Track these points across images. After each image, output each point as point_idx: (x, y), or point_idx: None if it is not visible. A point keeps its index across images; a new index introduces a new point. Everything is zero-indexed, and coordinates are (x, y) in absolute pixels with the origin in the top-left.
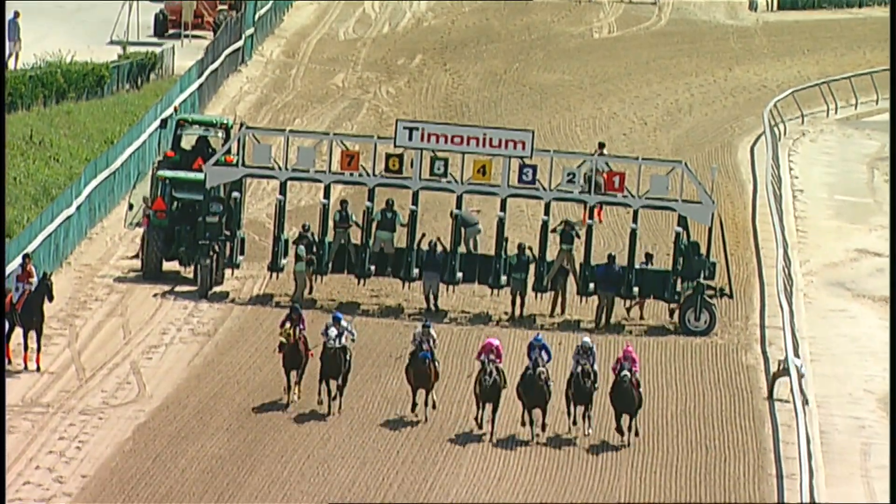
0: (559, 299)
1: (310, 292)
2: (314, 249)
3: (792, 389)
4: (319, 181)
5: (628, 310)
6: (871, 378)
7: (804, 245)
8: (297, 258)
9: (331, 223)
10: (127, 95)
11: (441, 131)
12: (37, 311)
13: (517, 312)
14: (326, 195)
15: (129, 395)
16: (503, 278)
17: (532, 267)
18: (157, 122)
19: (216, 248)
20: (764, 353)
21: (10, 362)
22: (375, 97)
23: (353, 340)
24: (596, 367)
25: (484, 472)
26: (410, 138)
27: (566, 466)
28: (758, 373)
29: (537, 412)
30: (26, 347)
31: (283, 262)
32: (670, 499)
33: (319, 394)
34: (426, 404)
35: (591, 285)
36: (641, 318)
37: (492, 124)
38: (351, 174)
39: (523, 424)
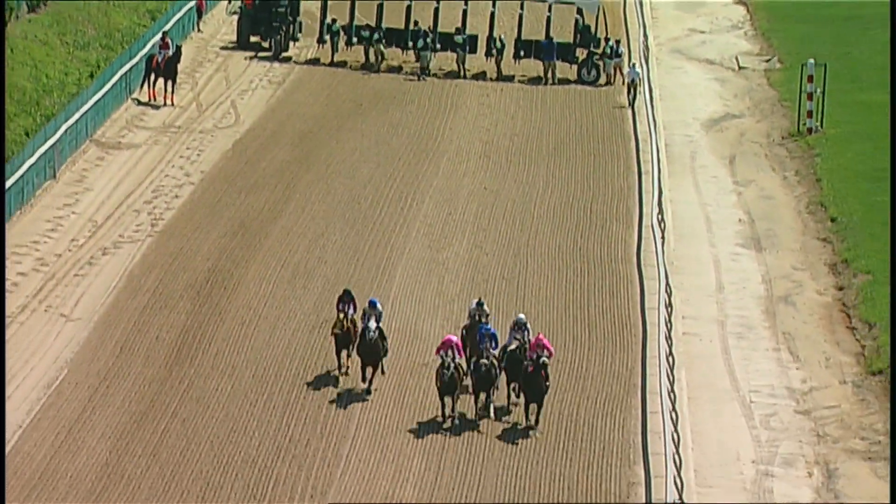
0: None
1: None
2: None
3: (647, 115)
4: None
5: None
6: (697, 110)
7: (656, 26)
8: (361, 38)
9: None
10: None
11: None
12: (173, 67)
13: (469, 73)
14: None
15: (229, 122)
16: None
17: (479, 43)
18: None
19: (284, 28)
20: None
21: (156, 99)
22: None
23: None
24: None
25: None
26: None
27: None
28: (626, 110)
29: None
30: (165, 91)
31: (325, 37)
32: (562, 183)
33: (364, 380)
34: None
35: (522, 52)
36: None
37: None
38: None
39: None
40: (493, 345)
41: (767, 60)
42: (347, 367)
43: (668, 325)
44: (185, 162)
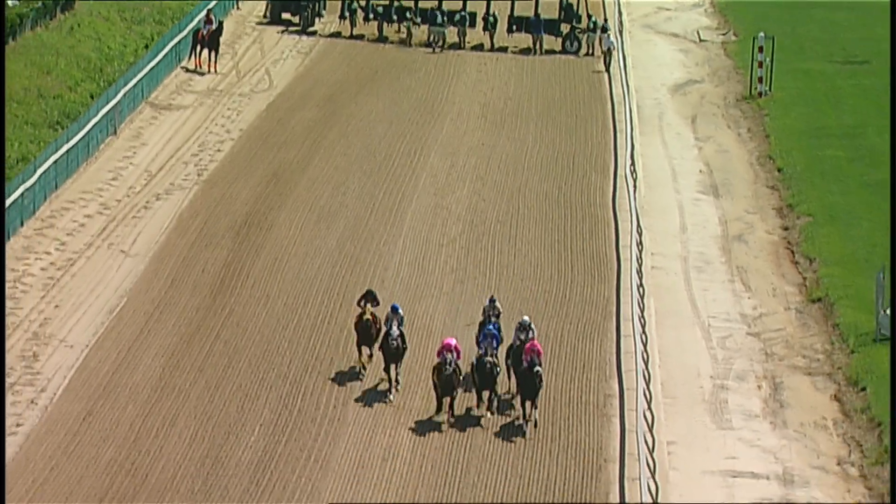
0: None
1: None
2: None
3: (621, 81)
4: None
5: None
6: (663, 76)
7: (629, 4)
8: (377, 14)
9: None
10: None
11: None
12: (216, 39)
13: (468, 45)
14: None
15: (264, 86)
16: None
17: (476, 20)
18: None
19: (310, 6)
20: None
21: (201, 67)
22: None
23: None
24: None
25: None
26: None
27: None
28: (602, 75)
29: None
30: (209, 60)
31: (346, 14)
32: (548, 139)
33: (389, 381)
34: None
35: (514, 27)
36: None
37: None
38: None
39: (478, 405)
40: (495, 344)
41: (724, 34)
42: (366, 363)
43: (639, 260)
44: (226, 121)
